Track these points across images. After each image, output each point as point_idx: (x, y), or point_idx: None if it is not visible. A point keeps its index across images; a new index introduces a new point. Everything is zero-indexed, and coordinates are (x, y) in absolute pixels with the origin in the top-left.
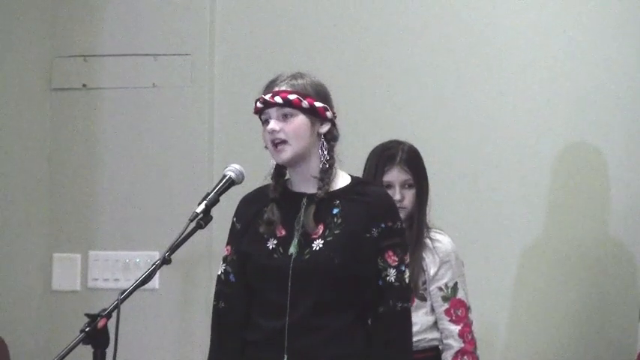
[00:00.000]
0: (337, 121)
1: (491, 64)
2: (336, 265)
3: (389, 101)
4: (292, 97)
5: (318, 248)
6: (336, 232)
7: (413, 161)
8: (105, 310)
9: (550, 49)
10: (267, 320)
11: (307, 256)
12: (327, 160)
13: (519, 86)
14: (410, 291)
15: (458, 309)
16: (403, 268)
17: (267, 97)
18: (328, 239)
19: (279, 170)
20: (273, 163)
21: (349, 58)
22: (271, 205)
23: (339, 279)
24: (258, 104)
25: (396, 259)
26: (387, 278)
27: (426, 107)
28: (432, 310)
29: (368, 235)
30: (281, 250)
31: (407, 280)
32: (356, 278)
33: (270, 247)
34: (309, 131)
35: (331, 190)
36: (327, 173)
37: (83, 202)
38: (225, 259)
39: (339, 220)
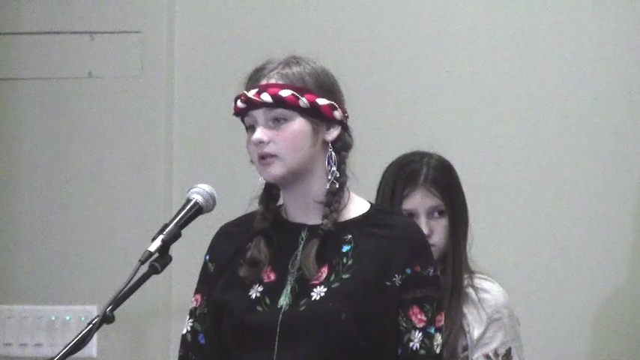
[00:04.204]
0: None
1: (561, 58)
2: (342, 322)
3: (411, 101)
4: (285, 93)
5: (318, 298)
6: (345, 276)
7: (443, 180)
8: None
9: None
10: None
11: (303, 308)
12: (336, 178)
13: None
14: None
15: None
16: (432, 332)
17: (252, 94)
18: (333, 286)
19: (270, 191)
20: (262, 181)
21: (355, 43)
22: (257, 239)
23: (346, 341)
24: (239, 104)
25: (424, 318)
26: (410, 344)
27: (461, 109)
28: None
29: (388, 283)
30: (267, 301)
31: (437, 350)
32: (369, 341)
33: (254, 295)
34: (309, 140)
35: (341, 220)
36: (335, 196)
37: None
38: (192, 313)
39: (350, 261)
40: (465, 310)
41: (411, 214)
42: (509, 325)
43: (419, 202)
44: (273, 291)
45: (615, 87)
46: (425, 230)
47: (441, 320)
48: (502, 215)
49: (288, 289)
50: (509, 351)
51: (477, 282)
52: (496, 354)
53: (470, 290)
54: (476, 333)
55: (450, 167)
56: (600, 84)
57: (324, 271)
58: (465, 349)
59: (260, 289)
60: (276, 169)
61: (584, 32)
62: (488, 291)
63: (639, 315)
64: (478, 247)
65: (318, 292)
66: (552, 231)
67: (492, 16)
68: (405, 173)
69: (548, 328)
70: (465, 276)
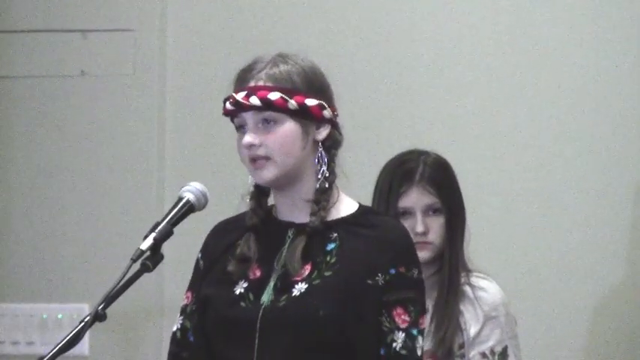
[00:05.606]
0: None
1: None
2: (320, 318)
3: (407, 99)
4: (274, 96)
5: (298, 294)
6: (327, 274)
7: (440, 178)
8: None
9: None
10: None
11: (282, 304)
12: (325, 177)
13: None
14: None
15: None
16: (415, 333)
17: (240, 96)
18: (314, 283)
19: (261, 189)
20: (252, 180)
21: (348, 40)
22: (247, 235)
23: (323, 338)
24: (228, 106)
25: (408, 319)
26: (393, 345)
27: (457, 108)
28: None
29: (370, 282)
30: (251, 297)
31: (418, 352)
32: (348, 341)
33: (238, 291)
34: (300, 142)
35: (329, 219)
36: (324, 194)
37: None
38: (183, 311)
39: (334, 259)
40: (462, 308)
41: (407, 212)
42: (505, 324)
43: (415, 199)
44: (257, 287)
45: (614, 87)
46: (421, 228)
47: (423, 323)
48: (499, 214)
49: (271, 285)
50: (505, 349)
51: (474, 280)
52: (492, 352)
53: (467, 288)
54: (472, 331)
55: (447, 165)
56: (599, 83)
57: (308, 268)
58: (462, 346)
59: (245, 285)
60: (268, 173)
61: (584, 32)
62: (486, 289)
63: (636, 314)
64: (475, 246)
65: (299, 289)
66: (550, 229)
67: (488, 13)
68: (401, 171)
69: (545, 327)
70: (462, 274)
